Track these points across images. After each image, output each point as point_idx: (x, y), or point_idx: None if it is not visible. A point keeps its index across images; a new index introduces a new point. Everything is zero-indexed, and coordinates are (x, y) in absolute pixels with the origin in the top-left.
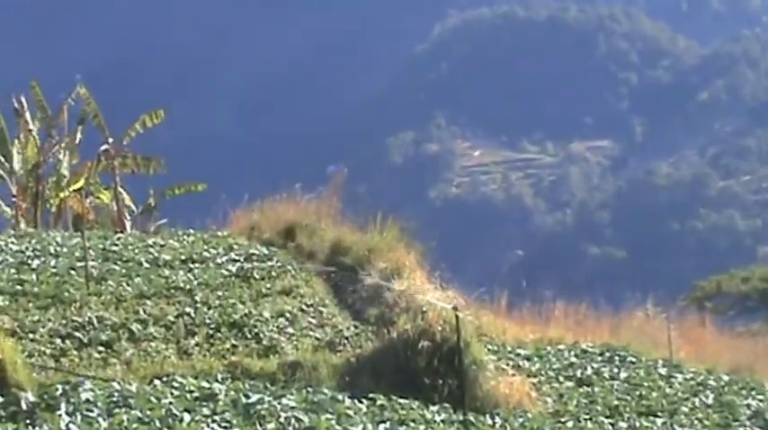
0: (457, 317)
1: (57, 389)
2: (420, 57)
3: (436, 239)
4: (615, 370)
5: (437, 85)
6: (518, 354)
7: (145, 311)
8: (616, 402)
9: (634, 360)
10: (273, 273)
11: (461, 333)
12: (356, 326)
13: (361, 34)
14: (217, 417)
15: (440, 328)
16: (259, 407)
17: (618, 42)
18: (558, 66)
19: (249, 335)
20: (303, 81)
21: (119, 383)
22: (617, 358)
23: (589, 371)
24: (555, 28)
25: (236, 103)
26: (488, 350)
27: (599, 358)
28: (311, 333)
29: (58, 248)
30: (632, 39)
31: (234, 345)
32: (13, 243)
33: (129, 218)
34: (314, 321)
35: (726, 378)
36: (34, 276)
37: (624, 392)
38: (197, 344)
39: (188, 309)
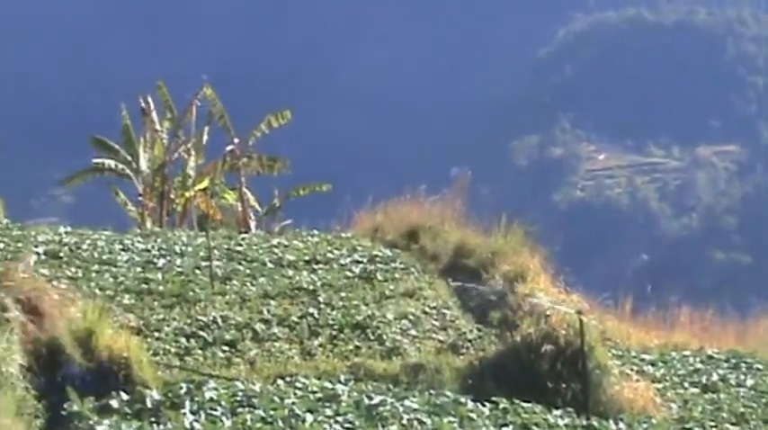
0: (581, 321)
1: (181, 388)
2: (545, 60)
3: (560, 243)
4: (741, 377)
5: (562, 88)
6: (642, 360)
7: (269, 311)
8: (742, 409)
9: (761, 367)
10: (397, 275)
11: (585, 337)
12: (479, 329)
13: (485, 37)
14: (339, 418)
15: (563, 332)
16: (381, 408)
17: (746, 46)
18: (685, 69)
19: (372, 337)
20: (427, 82)
21: (242, 383)
22: (743, 365)
23: (715, 378)
24: (683, 31)
25: (360, 104)
26: (612, 355)
27: (725, 364)
28: (434, 335)
29: (184, 248)
30: (760, 42)
31: (357, 347)
32: (139, 242)
33: (253, 218)
34: (437, 323)
35: None
36: (160, 275)
37: (750, 399)
38: (320, 345)
39: (311, 310)
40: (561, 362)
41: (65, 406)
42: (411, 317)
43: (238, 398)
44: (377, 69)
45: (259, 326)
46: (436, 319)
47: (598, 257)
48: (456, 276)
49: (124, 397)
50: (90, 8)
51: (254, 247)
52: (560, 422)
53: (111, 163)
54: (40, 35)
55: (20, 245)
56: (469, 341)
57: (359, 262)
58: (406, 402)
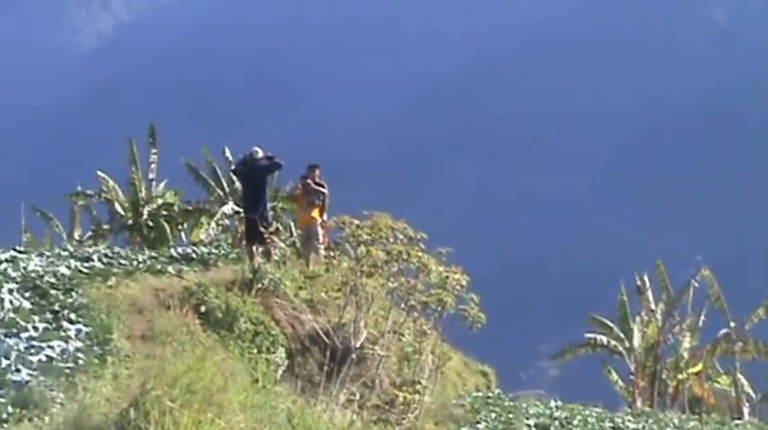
0: None
1: None
2: None
3: None
4: None
5: None
6: None
7: None
8: None
9: None
10: None
11: None
12: None
13: None
14: None
15: None
16: None
17: None
18: None
19: None
20: None
21: None
22: None
23: None
24: None
25: None
26: None
27: None
28: None
29: None
30: None
31: None
32: (629, 421)
33: (747, 404)
34: None
35: None
36: None
37: None
38: None
39: None
40: None
41: None
42: None
43: None
44: None
45: None
46: None
47: None
48: None
49: None
50: (592, 182)
51: None
52: None
53: (604, 339)
54: (547, 208)
55: (510, 415)
56: None
57: None
58: None
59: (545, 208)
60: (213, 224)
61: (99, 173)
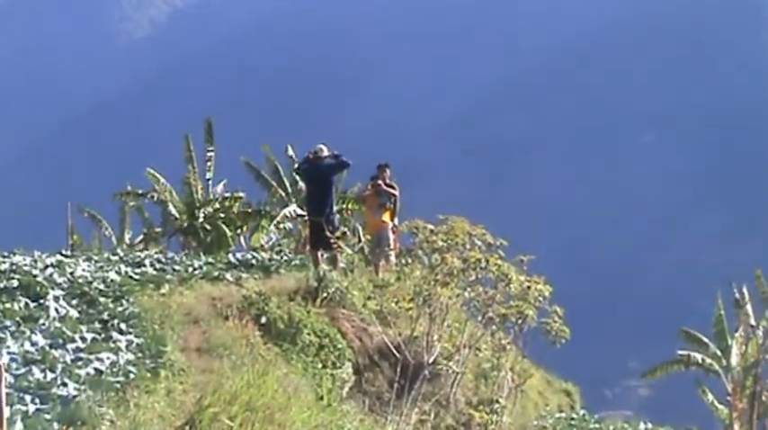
0: None
1: None
2: None
3: None
4: None
5: None
6: None
7: None
8: None
9: None
10: None
11: None
12: None
13: None
14: None
15: None
16: None
17: None
18: None
19: None
20: None
21: None
22: None
23: None
24: None
25: None
26: None
27: None
28: None
29: None
30: None
31: None
32: None
33: None
34: None
35: None
36: None
37: None
38: None
39: None
40: None
41: None
42: None
43: None
44: None
45: None
46: None
47: None
48: None
49: None
50: (680, 186)
51: None
52: None
53: (699, 357)
54: (631, 213)
55: None
56: None
57: None
58: None
59: (629, 213)
60: (274, 228)
61: (149, 171)
